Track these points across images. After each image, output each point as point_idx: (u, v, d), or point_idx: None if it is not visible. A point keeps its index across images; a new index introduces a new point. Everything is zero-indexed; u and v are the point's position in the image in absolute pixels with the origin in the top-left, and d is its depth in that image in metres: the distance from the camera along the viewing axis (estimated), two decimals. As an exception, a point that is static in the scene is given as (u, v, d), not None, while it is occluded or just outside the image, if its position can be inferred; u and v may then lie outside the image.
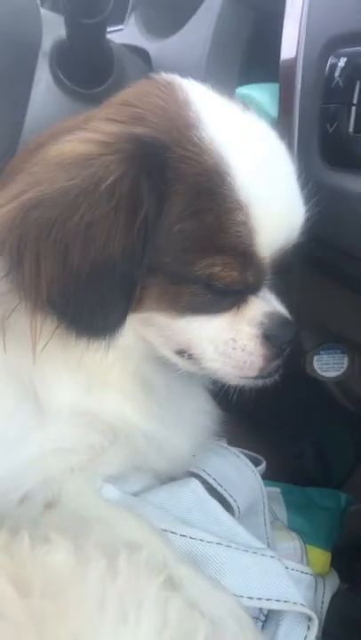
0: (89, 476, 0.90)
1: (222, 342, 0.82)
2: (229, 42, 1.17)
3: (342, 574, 1.11)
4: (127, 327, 0.79)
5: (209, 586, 0.82)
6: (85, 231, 0.71)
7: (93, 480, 0.90)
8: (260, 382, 0.87)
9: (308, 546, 1.09)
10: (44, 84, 1.22)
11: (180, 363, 0.86)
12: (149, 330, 0.84)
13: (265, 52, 1.05)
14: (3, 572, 0.65)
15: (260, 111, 0.93)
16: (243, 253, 0.76)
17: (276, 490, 1.21)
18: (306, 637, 0.86)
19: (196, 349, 0.83)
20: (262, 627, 0.88)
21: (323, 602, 1.00)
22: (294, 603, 0.86)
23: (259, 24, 1.16)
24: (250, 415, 1.23)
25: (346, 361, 1.28)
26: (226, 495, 0.99)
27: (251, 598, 0.85)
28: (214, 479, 0.99)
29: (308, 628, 0.87)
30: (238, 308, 0.82)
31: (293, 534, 1.10)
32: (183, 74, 0.88)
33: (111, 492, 0.91)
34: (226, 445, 1.09)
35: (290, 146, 0.87)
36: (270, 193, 0.78)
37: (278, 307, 0.85)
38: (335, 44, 0.88)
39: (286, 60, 0.97)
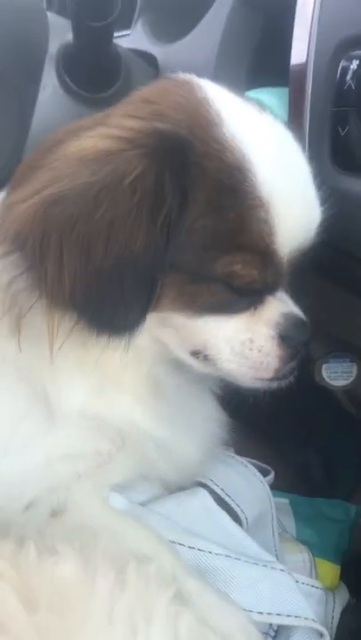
0: (96, 485, 0.89)
1: (239, 343, 0.81)
2: (237, 47, 1.17)
3: (351, 588, 1.10)
4: (145, 327, 0.78)
5: (218, 600, 0.81)
6: (108, 227, 0.70)
7: (100, 488, 0.89)
8: (274, 384, 0.86)
9: (317, 559, 1.07)
10: (50, 88, 1.22)
11: (195, 364, 0.85)
12: (165, 330, 0.83)
13: (273, 57, 1.05)
14: (8, 583, 0.63)
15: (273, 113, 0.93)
16: (263, 252, 0.76)
17: (285, 501, 1.19)
18: (317, 653, 0.85)
19: (212, 350, 0.82)
20: (272, 642, 0.86)
21: (333, 617, 0.98)
22: (305, 618, 0.84)
23: (267, 29, 1.16)
24: (258, 424, 1.21)
25: (355, 370, 1.26)
26: (234, 506, 0.97)
27: (261, 613, 0.83)
28: (222, 489, 0.98)
29: (320, 643, 0.85)
30: (255, 308, 0.82)
31: (302, 546, 1.08)
32: (192, 77, 0.87)
33: (118, 501, 0.90)
34: (234, 455, 1.08)
35: (302, 149, 0.86)
36: (291, 191, 0.77)
37: (294, 307, 0.85)
38: (347, 46, 0.87)
39: (297, 65, 0.96)
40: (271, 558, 0.92)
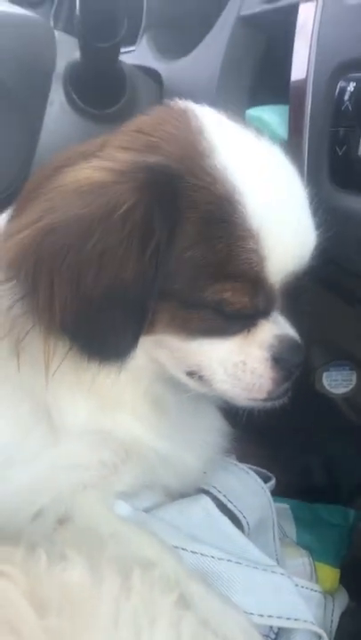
0: (101, 493, 0.90)
1: (232, 364, 0.82)
2: (240, 64, 1.19)
3: (351, 592, 1.11)
4: (140, 349, 0.80)
5: (220, 603, 0.83)
6: (99, 258, 0.72)
7: (105, 497, 0.91)
8: (268, 404, 0.87)
9: (317, 563, 1.09)
10: (57, 105, 1.25)
11: (191, 384, 0.86)
12: (161, 352, 0.85)
13: (275, 75, 1.06)
14: (19, 588, 0.66)
15: (270, 133, 0.95)
16: (253, 280, 0.77)
17: (286, 506, 1.21)
18: (316, 655, 0.87)
19: (206, 371, 0.83)
20: (272, 644, 0.89)
21: (332, 620, 1.00)
22: (305, 621, 0.86)
23: (269, 47, 1.18)
24: (259, 432, 1.23)
25: (355, 377, 1.28)
26: (236, 512, 0.99)
27: (261, 616, 0.85)
28: (224, 495, 1.00)
29: (319, 646, 0.87)
30: (248, 331, 0.82)
31: (302, 551, 1.10)
32: (194, 95, 0.89)
33: (123, 508, 0.92)
34: (235, 462, 1.10)
35: (299, 168, 0.88)
36: (281, 221, 0.78)
37: (288, 330, 0.85)
38: (345, 68, 0.89)
39: (297, 82, 0.98)
40: (272, 562, 0.93)
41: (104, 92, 1.26)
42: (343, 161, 0.89)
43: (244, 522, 0.99)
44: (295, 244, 0.80)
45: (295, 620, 0.86)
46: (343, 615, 1.02)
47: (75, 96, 1.25)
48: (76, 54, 1.22)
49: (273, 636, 0.88)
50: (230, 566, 0.89)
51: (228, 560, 0.89)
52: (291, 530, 1.18)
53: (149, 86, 1.30)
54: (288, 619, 0.86)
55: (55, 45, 1.19)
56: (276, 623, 0.86)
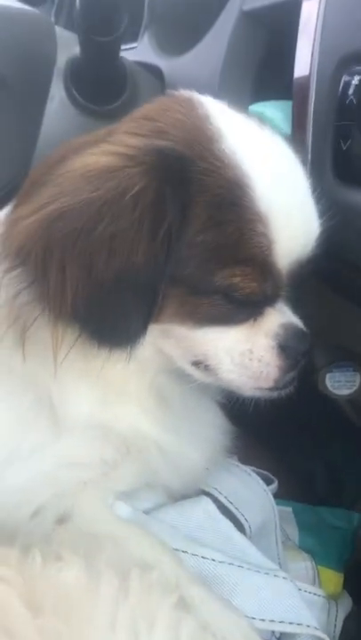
0: (101, 492, 0.90)
1: (239, 353, 0.83)
2: (242, 60, 1.18)
3: (354, 596, 1.10)
4: (146, 339, 0.79)
5: (221, 607, 0.82)
6: (109, 242, 0.72)
7: (105, 496, 0.90)
8: (274, 394, 0.87)
9: (319, 567, 1.08)
10: (57, 101, 1.24)
11: (197, 374, 0.86)
12: (168, 341, 0.84)
13: (278, 70, 1.06)
14: (14, 590, 0.64)
15: (274, 128, 0.94)
16: (262, 264, 0.77)
17: (288, 509, 1.20)
18: (319, 661, 0.85)
19: (212, 360, 0.83)
20: (275, 649, 0.87)
21: (335, 625, 0.99)
22: (308, 625, 0.85)
23: (271, 42, 1.17)
24: (262, 433, 1.22)
25: (358, 379, 1.27)
26: (237, 514, 0.98)
27: (263, 620, 0.84)
28: (226, 497, 0.99)
29: (322, 651, 0.86)
30: (255, 320, 0.83)
31: (305, 555, 1.09)
32: (196, 91, 0.88)
33: (123, 509, 0.91)
34: (238, 464, 1.09)
35: (303, 162, 0.87)
36: (289, 205, 0.79)
37: (293, 318, 0.86)
38: (349, 62, 0.88)
39: (300, 78, 0.98)
40: (274, 566, 0.92)
41: (105, 89, 1.25)
42: (347, 155, 0.89)
43: (246, 525, 0.98)
44: (301, 229, 0.81)
45: (298, 624, 0.85)
46: (347, 619, 1.00)
47: (75, 92, 1.24)
48: (77, 50, 1.21)
49: (275, 641, 0.86)
50: (232, 570, 0.88)
51: (230, 563, 0.89)
52: (293, 533, 1.17)
53: (151, 83, 1.29)
54: (290, 623, 0.85)
55: (56, 40, 1.18)
56: (279, 628, 0.85)
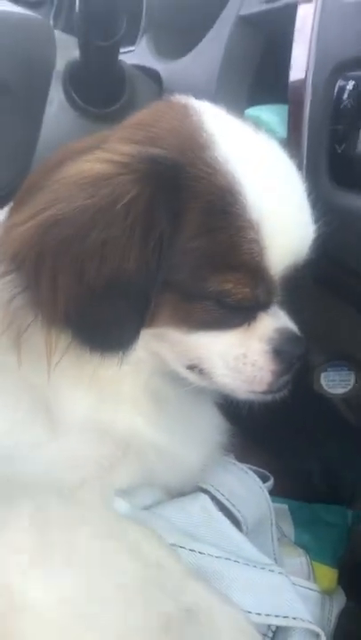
0: (100, 490, 0.90)
1: (233, 357, 0.83)
2: (239, 64, 1.20)
3: (349, 592, 1.11)
4: (140, 342, 0.80)
5: (219, 601, 0.82)
6: (102, 249, 0.72)
7: (104, 494, 0.91)
8: (269, 397, 0.88)
9: (314, 563, 1.09)
10: (57, 104, 1.25)
11: (191, 377, 0.87)
12: (162, 345, 0.85)
13: (274, 74, 1.07)
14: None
15: (270, 132, 0.95)
16: (254, 270, 0.77)
17: (284, 506, 1.21)
18: (314, 654, 0.86)
19: (207, 364, 0.84)
20: (270, 643, 0.88)
21: (330, 619, 1.00)
22: (302, 619, 0.86)
23: (268, 46, 1.19)
24: (258, 432, 1.23)
25: (353, 378, 1.28)
26: (234, 511, 0.99)
27: (259, 614, 0.85)
28: (223, 495, 1.00)
29: (317, 644, 0.87)
30: (249, 324, 0.83)
31: (300, 550, 1.10)
32: (193, 95, 0.89)
33: (121, 505, 0.91)
34: (234, 462, 1.10)
35: (299, 166, 0.88)
36: (281, 212, 0.79)
37: (288, 322, 0.86)
38: (344, 67, 0.90)
39: (295, 82, 0.99)
40: (269, 561, 0.93)
41: (103, 92, 1.27)
42: (342, 159, 0.90)
43: (242, 521, 0.99)
44: (295, 235, 0.81)
45: (293, 618, 0.86)
46: (341, 615, 1.02)
47: (74, 95, 1.26)
48: (76, 53, 1.22)
49: (271, 635, 0.88)
50: (229, 565, 0.89)
51: (227, 559, 0.89)
52: (289, 530, 1.18)
53: (149, 86, 1.31)
54: (286, 617, 0.86)
55: (55, 44, 1.20)
56: (274, 622, 0.86)
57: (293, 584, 0.92)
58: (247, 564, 0.90)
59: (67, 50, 1.25)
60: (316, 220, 0.84)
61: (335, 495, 1.39)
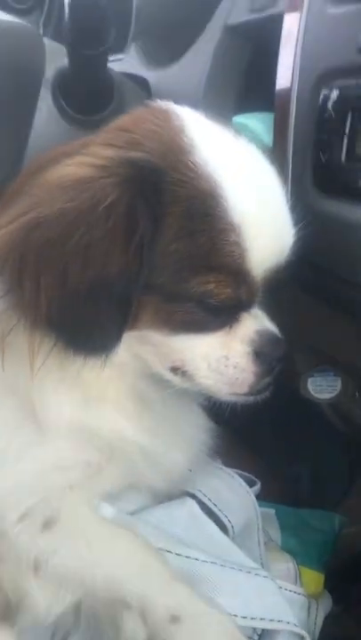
0: (87, 494, 0.90)
1: (215, 359, 0.84)
2: (226, 72, 1.21)
3: (335, 596, 1.12)
4: (123, 345, 0.80)
5: (205, 605, 0.83)
6: (84, 251, 0.73)
7: (91, 499, 0.91)
8: (251, 399, 0.88)
9: (301, 567, 1.09)
10: (45, 111, 1.26)
11: (174, 379, 0.87)
12: (145, 348, 0.85)
13: (261, 83, 1.08)
14: None
15: (256, 140, 0.96)
16: (236, 271, 0.78)
17: (271, 511, 1.21)
18: (300, 657, 0.87)
19: (189, 366, 0.85)
20: (256, 646, 0.89)
21: (316, 623, 1.00)
22: (288, 623, 0.87)
23: (255, 55, 1.20)
24: (246, 436, 1.24)
25: (339, 383, 1.29)
26: (221, 515, 0.99)
27: (245, 618, 0.85)
28: (210, 499, 1.00)
29: (302, 648, 0.88)
30: (230, 327, 0.84)
31: (287, 556, 1.10)
32: (181, 102, 0.90)
33: (108, 510, 0.92)
34: (221, 466, 1.10)
35: (284, 173, 0.89)
36: (261, 214, 0.80)
37: (269, 324, 0.87)
38: (328, 76, 0.91)
39: (281, 90, 1.00)
40: (256, 565, 0.94)
41: (92, 99, 1.27)
42: (327, 167, 0.92)
43: (229, 525, 0.99)
44: (275, 237, 0.82)
45: (278, 621, 0.87)
46: (327, 619, 1.02)
47: (63, 102, 1.27)
48: (65, 61, 1.23)
49: (256, 638, 0.88)
50: (215, 569, 0.89)
51: (213, 562, 0.90)
52: (276, 534, 1.18)
53: (137, 94, 1.32)
54: (271, 620, 0.86)
55: (44, 52, 1.20)
56: (260, 625, 0.87)
57: (279, 587, 0.92)
58: (233, 568, 0.90)
59: (56, 58, 1.26)
60: (296, 223, 0.85)
61: (322, 500, 1.40)
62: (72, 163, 0.78)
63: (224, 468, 1.10)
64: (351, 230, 0.88)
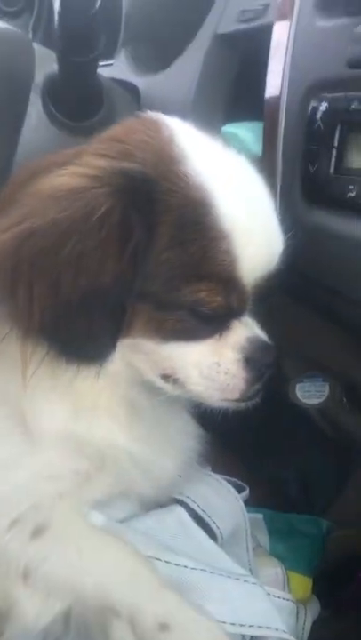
0: (77, 502, 0.91)
1: (206, 366, 0.85)
2: (216, 80, 1.21)
3: (324, 601, 1.13)
4: (117, 353, 0.81)
5: (194, 612, 0.83)
6: (77, 261, 0.73)
7: (81, 507, 0.91)
8: (241, 405, 0.89)
9: (289, 572, 1.10)
10: (35, 117, 1.25)
11: (166, 387, 0.88)
12: (137, 356, 0.86)
13: (250, 92, 1.09)
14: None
15: (245, 149, 0.97)
16: (226, 279, 0.79)
17: (259, 516, 1.22)
18: (288, 663, 0.88)
19: (181, 374, 0.85)
20: (245, 653, 0.89)
21: (304, 628, 1.02)
22: (276, 629, 0.87)
23: (244, 65, 1.20)
24: (234, 442, 1.24)
25: (327, 389, 1.30)
26: (209, 522, 1.00)
27: (234, 624, 0.86)
28: (198, 506, 1.00)
29: (290, 654, 0.88)
30: (221, 334, 0.85)
31: (275, 561, 1.11)
32: (171, 109, 0.91)
33: (97, 518, 0.92)
34: (210, 473, 1.11)
35: (273, 184, 0.90)
36: (252, 223, 0.81)
37: (259, 332, 0.88)
38: (317, 88, 0.92)
39: (270, 100, 1.01)
40: (244, 572, 0.94)
41: (82, 105, 1.27)
42: (315, 178, 0.92)
43: (217, 532, 1.00)
44: (265, 245, 0.83)
45: (267, 628, 0.87)
46: (315, 623, 1.03)
47: (52, 108, 1.26)
48: (55, 67, 1.23)
49: (245, 645, 0.89)
50: (204, 576, 0.90)
51: (202, 570, 0.90)
52: (264, 539, 1.19)
53: (127, 100, 1.32)
54: (260, 627, 0.87)
55: (34, 58, 1.20)
56: (248, 632, 0.87)
57: (268, 594, 0.93)
58: (222, 575, 0.91)
59: (45, 63, 1.26)
60: (285, 232, 0.86)
61: (310, 505, 1.41)
62: (65, 173, 0.79)
63: (213, 474, 1.11)
64: (338, 241, 0.89)
